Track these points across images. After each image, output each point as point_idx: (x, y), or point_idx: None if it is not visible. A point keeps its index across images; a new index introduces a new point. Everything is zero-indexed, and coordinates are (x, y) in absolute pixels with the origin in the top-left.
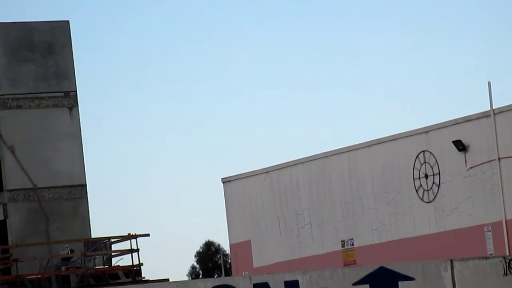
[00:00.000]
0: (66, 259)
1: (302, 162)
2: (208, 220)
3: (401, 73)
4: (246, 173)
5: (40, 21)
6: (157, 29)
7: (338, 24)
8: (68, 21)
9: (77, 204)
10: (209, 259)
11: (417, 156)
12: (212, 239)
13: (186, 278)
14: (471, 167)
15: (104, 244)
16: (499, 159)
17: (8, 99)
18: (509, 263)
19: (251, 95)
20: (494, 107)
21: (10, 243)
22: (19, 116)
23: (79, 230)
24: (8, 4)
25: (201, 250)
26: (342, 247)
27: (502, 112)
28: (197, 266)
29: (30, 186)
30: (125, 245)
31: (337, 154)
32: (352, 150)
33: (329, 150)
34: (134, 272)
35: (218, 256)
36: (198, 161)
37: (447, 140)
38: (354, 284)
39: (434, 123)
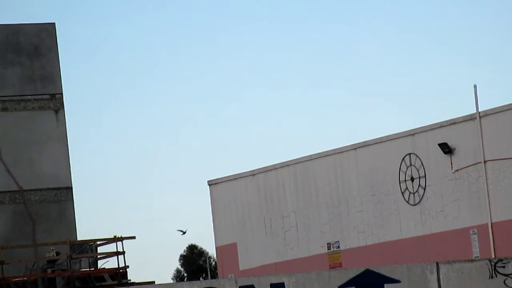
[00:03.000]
0: (52, 262)
1: (288, 165)
2: (194, 223)
3: (387, 76)
4: (232, 175)
5: (26, 23)
6: (143, 32)
7: (325, 26)
8: (54, 23)
9: (63, 207)
10: (193, 262)
11: (403, 159)
12: (196, 242)
13: (171, 281)
14: (457, 170)
15: (90, 246)
16: (485, 162)
17: None
18: (494, 266)
19: (238, 97)
20: (480, 110)
21: None
22: (4, 118)
23: (65, 232)
24: None
25: (185, 253)
26: (328, 249)
27: (488, 115)
28: (182, 269)
29: (16, 188)
30: (111, 248)
31: (323, 156)
32: (338, 153)
33: (315, 152)
34: (120, 274)
35: (202, 259)
36: (184, 163)
37: (433, 142)
38: (340, 287)
39: (420, 126)
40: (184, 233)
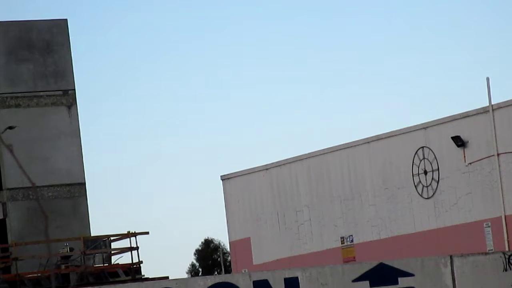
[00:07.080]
0: (65, 258)
1: (301, 159)
2: (207, 218)
3: (399, 70)
4: (245, 170)
5: (39, 19)
6: (155, 28)
7: (336, 21)
8: (66, 20)
9: (77, 203)
10: (209, 256)
11: (416, 152)
12: (211, 236)
13: (185, 276)
14: (470, 163)
15: (103, 242)
16: (498, 154)
17: (6, 98)
18: (508, 259)
19: (250, 92)
20: (492, 103)
21: (9, 242)
22: (17, 114)
23: (79, 228)
24: (6, 3)
25: (200, 248)
26: (342, 243)
27: (501, 107)
28: (197, 264)
29: (29, 184)
30: (124, 243)
31: (336, 150)
32: (351, 147)
33: (329, 146)
34: (133, 270)
35: (218, 254)
36: (197, 158)
37: (446, 136)
38: (353, 281)
39: (433, 119)
40: None
